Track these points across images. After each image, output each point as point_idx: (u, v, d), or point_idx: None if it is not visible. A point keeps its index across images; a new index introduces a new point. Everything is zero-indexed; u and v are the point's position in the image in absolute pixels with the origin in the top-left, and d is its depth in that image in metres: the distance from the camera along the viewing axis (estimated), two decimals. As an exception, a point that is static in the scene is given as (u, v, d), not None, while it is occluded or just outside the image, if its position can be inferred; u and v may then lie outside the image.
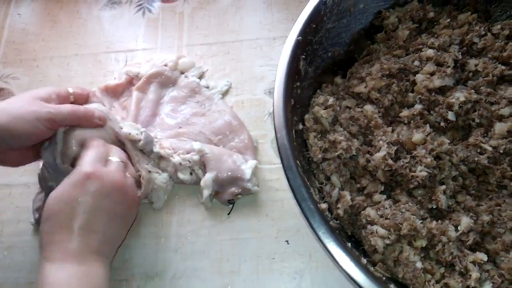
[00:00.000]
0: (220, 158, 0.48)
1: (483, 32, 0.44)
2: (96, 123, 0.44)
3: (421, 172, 0.37)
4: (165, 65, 0.57)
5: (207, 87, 0.56)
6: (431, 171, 0.37)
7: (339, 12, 0.44)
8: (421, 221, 0.35)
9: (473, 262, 0.34)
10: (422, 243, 0.35)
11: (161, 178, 0.49)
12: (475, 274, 0.33)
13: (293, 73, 0.41)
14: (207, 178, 0.47)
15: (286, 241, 0.46)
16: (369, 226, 0.36)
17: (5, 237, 0.49)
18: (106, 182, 0.38)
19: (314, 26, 0.42)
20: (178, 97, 0.55)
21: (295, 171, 0.35)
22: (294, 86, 0.41)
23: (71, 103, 0.45)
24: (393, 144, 0.39)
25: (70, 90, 0.45)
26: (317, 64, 0.45)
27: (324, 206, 0.38)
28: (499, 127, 0.39)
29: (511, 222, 0.36)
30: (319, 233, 0.33)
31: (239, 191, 0.47)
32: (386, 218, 0.36)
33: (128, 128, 0.47)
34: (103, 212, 0.38)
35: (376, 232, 0.35)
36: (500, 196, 0.38)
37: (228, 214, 0.48)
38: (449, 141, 0.39)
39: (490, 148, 0.38)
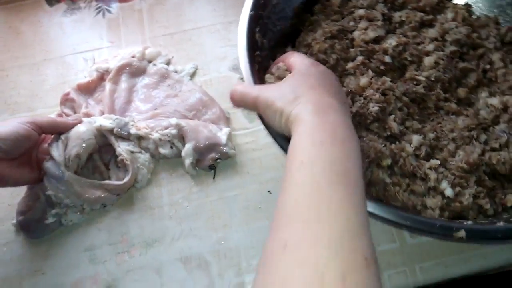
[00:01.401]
0: (196, 129, 0.53)
1: None
2: (73, 122, 0.51)
3: (373, 108, 0.44)
4: (133, 57, 0.61)
5: (175, 72, 0.61)
6: (380, 105, 0.44)
7: None
8: (383, 145, 0.42)
9: (430, 168, 0.41)
10: (387, 162, 0.41)
11: (143, 157, 0.53)
12: (433, 175, 0.40)
13: (251, 43, 0.45)
14: (187, 148, 0.52)
15: (268, 191, 0.51)
16: None
17: (1, 234, 0.51)
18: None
19: (262, 2, 0.48)
20: (149, 83, 0.59)
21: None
22: (255, 54, 0.46)
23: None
24: (347, 94, 0.46)
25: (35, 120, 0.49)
26: (270, 37, 0.50)
27: None
28: (428, 60, 0.47)
29: (451, 133, 0.43)
30: None
31: (218, 155, 0.52)
32: None
33: (101, 121, 0.52)
34: None
35: None
36: (439, 116, 0.46)
37: (213, 178, 0.53)
38: (390, 79, 0.46)
39: (423, 78, 0.45)
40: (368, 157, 0.41)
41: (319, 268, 0.24)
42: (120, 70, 0.59)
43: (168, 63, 0.62)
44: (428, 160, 0.41)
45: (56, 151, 0.49)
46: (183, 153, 0.52)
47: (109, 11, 0.67)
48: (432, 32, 0.49)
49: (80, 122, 0.51)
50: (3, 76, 0.62)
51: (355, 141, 0.32)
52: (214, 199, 0.52)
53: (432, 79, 0.45)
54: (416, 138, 0.42)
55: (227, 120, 0.56)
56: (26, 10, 0.68)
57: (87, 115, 0.56)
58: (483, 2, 0.55)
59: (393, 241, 0.47)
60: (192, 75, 0.61)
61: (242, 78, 0.59)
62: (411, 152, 0.41)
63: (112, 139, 0.52)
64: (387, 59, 0.47)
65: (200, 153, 0.53)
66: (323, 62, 0.48)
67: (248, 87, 0.40)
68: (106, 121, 0.52)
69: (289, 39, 0.54)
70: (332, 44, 0.49)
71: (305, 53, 0.49)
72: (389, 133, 0.43)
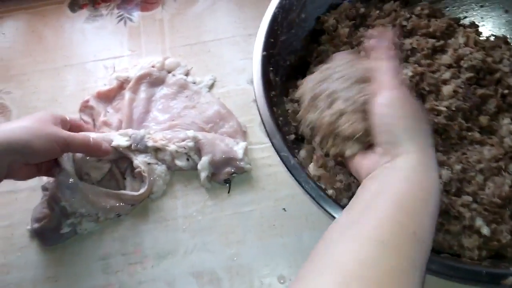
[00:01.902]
0: (213, 142, 0.53)
1: (408, 16, 0.52)
2: (102, 154, 0.51)
3: None
4: (153, 67, 0.61)
5: (194, 83, 0.61)
6: None
7: (288, 24, 0.50)
8: None
9: (462, 205, 0.40)
10: None
11: (160, 168, 0.53)
12: (467, 214, 0.39)
13: (267, 84, 0.45)
14: (204, 161, 0.52)
15: (283, 208, 0.51)
16: None
17: (16, 239, 0.52)
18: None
19: (272, 40, 0.48)
20: (168, 93, 0.60)
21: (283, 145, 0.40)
22: (271, 95, 0.46)
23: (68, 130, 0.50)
24: None
25: (68, 118, 0.50)
26: (281, 73, 0.50)
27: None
28: (446, 89, 0.46)
29: (479, 165, 0.42)
30: (312, 194, 0.37)
31: (233, 170, 0.52)
32: None
33: (118, 140, 0.52)
34: None
35: None
36: (463, 146, 0.45)
37: (228, 192, 0.53)
38: None
39: (444, 109, 0.45)
40: None
41: None
42: (140, 79, 0.59)
43: (187, 74, 0.62)
44: (458, 196, 0.40)
45: (68, 163, 0.49)
46: (199, 166, 0.52)
47: (130, 20, 0.68)
48: (446, 59, 0.49)
49: (109, 154, 0.52)
50: (24, 80, 0.63)
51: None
52: (228, 213, 0.52)
53: (453, 108, 0.45)
54: (445, 173, 0.41)
55: (244, 134, 0.56)
56: (49, 15, 0.69)
57: (106, 123, 0.57)
58: (489, 20, 0.55)
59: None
60: (211, 87, 0.61)
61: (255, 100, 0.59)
62: (442, 189, 0.40)
63: (129, 153, 0.53)
64: None
65: (216, 166, 0.53)
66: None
67: None
68: (122, 139, 0.52)
69: (298, 71, 0.53)
70: None
71: None
72: None
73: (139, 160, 0.52)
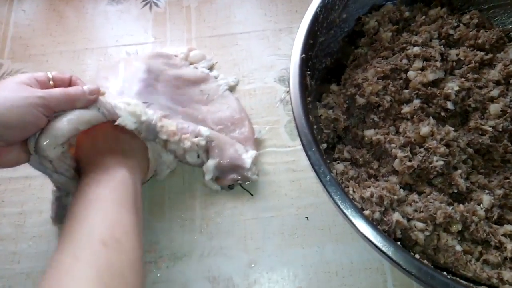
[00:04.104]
0: (223, 146, 0.51)
1: (456, 24, 0.49)
2: (90, 99, 0.40)
3: (437, 162, 0.40)
4: (175, 56, 0.58)
5: (215, 78, 0.58)
6: (446, 159, 0.40)
7: (328, 24, 0.47)
8: (451, 207, 0.38)
9: (504, 235, 0.37)
10: (458, 227, 0.38)
11: (167, 156, 0.50)
12: (509, 245, 0.37)
13: (303, 89, 0.42)
14: (210, 164, 0.50)
15: (306, 217, 0.49)
16: (407, 223, 0.38)
17: (28, 227, 0.50)
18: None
19: (312, 42, 0.45)
20: (182, 78, 0.56)
21: (319, 158, 0.37)
22: (307, 101, 0.43)
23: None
24: (405, 146, 0.42)
25: (49, 74, 0.41)
26: (316, 76, 0.47)
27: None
28: (493, 108, 0.43)
29: None
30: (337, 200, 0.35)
31: (238, 178, 0.50)
32: (420, 212, 0.39)
33: (124, 119, 0.42)
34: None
35: (415, 227, 0.38)
36: (506, 170, 0.42)
37: (252, 194, 0.50)
38: (453, 129, 0.42)
39: (490, 129, 0.42)
40: (434, 220, 0.38)
41: None
42: (156, 56, 0.56)
43: (210, 68, 0.59)
44: (501, 224, 0.38)
45: (35, 155, 0.39)
46: (204, 168, 0.50)
47: (156, 5, 0.65)
48: (494, 74, 0.46)
49: (96, 97, 0.41)
50: (43, 61, 0.61)
51: None
52: (248, 218, 0.50)
53: (500, 129, 0.42)
54: (486, 199, 0.39)
55: (255, 142, 0.54)
56: (72, -6, 0.66)
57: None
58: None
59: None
60: (233, 88, 0.58)
61: (288, 92, 0.57)
62: (483, 216, 0.38)
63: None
64: (449, 105, 0.44)
65: (222, 171, 0.50)
66: (376, 104, 0.45)
67: None
68: (130, 120, 0.42)
69: (333, 75, 0.51)
70: (386, 85, 0.46)
71: (355, 94, 0.46)
72: (455, 191, 0.40)
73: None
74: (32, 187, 0.52)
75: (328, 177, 0.35)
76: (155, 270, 0.47)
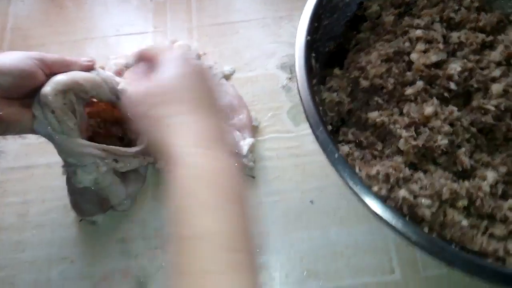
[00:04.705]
0: None
1: (457, 7, 0.49)
2: (86, 64, 0.42)
3: (442, 140, 0.41)
4: None
5: (210, 67, 0.58)
6: (450, 138, 0.41)
7: (331, 8, 0.47)
8: (457, 183, 0.39)
9: (509, 209, 0.38)
10: (464, 202, 0.38)
11: None
12: None
13: (309, 71, 0.42)
14: None
15: (310, 201, 0.49)
16: (413, 200, 0.38)
17: (31, 216, 0.50)
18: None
19: (316, 25, 0.45)
20: None
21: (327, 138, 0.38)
22: (313, 84, 0.43)
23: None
24: (409, 126, 0.43)
25: (50, 57, 0.40)
26: (320, 60, 0.47)
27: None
28: (495, 88, 0.44)
29: None
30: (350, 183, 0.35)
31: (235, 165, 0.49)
32: (426, 189, 0.39)
33: (125, 84, 0.41)
34: None
35: (422, 204, 0.38)
36: (508, 148, 0.43)
37: (253, 177, 0.50)
38: (457, 109, 0.42)
39: (493, 108, 0.42)
40: (440, 196, 0.38)
41: None
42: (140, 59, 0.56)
43: (199, 57, 0.59)
44: (505, 199, 0.38)
45: (39, 110, 0.39)
46: None
47: (156, -7, 0.65)
48: (495, 56, 0.46)
49: (93, 65, 0.43)
50: (44, 51, 0.60)
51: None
52: (253, 202, 0.49)
53: (502, 108, 0.42)
54: (491, 175, 0.39)
55: (253, 130, 0.54)
56: (70, -17, 0.66)
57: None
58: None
59: (391, 271, 0.45)
60: (228, 76, 0.58)
61: (290, 78, 0.57)
62: (488, 192, 0.38)
63: None
64: (452, 86, 0.44)
65: None
66: (380, 87, 0.45)
67: None
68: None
69: (336, 59, 0.50)
70: (389, 67, 0.46)
71: (359, 77, 0.46)
72: (460, 169, 0.40)
73: None
74: (35, 176, 0.52)
75: (336, 155, 0.36)
76: (161, 256, 0.47)
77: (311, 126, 0.38)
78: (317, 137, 0.37)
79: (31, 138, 0.53)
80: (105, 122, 0.48)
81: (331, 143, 0.36)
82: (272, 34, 0.61)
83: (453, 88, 0.44)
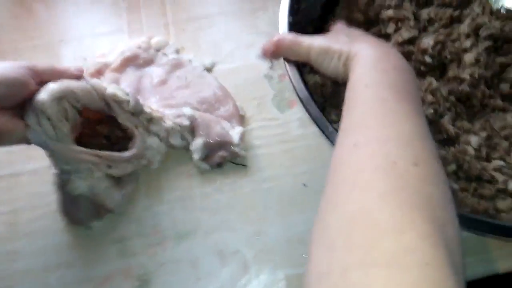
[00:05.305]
0: (209, 124, 0.51)
1: None
2: (75, 73, 0.43)
3: (427, 110, 0.43)
4: (138, 48, 0.57)
5: (189, 61, 0.58)
6: (434, 107, 0.43)
7: None
8: (444, 150, 0.41)
9: (494, 169, 0.41)
10: (452, 167, 0.41)
11: (152, 139, 0.50)
12: (501, 177, 0.40)
13: None
14: (197, 143, 0.50)
15: (303, 184, 0.50)
16: None
17: (22, 225, 0.49)
18: None
19: (296, 7, 0.46)
20: (158, 74, 0.56)
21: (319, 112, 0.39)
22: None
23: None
24: None
25: (40, 67, 0.41)
26: None
27: None
28: (468, 58, 0.46)
29: (503, 131, 0.43)
30: None
31: (227, 154, 0.50)
32: None
33: (113, 89, 0.45)
34: None
35: None
36: (485, 114, 0.45)
37: (245, 166, 0.51)
38: (435, 79, 0.45)
39: (468, 77, 0.45)
40: None
41: (390, 157, 0.25)
42: (126, 62, 0.56)
43: (177, 51, 0.59)
44: (489, 161, 0.41)
45: (33, 119, 0.39)
46: (192, 147, 0.50)
47: (127, -9, 0.64)
48: (464, 28, 0.49)
49: (83, 74, 0.44)
50: (17, 57, 0.59)
51: (413, 73, 0.35)
52: (247, 191, 0.50)
53: (476, 76, 0.45)
54: (474, 140, 0.42)
55: (241, 119, 0.54)
56: (37, -13, 0.64)
57: (99, 72, 0.54)
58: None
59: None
60: (209, 68, 0.58)
61: (271, 67, 0.58)
62: (474, 155, 0.41)
63: (119, 112, 0.46)
64: (427, 59, 0.47)
65: (210, 149, 0.51)
66: None
67: (299, 37, 0.41)
68: (119, 91, 0.45)
69: None
70: None
71: None
72: (445, 136, 0.42)
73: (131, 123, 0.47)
74: (21, 184, 0.51)
75: (330, 129, 0.37)
76: (161, 252, 0.47)
77: (301, 101, 0.39)
78: (309, 112, 0.38)
79: (14, 146, 0.51)
80: (89, 121, 0.48)
81: (323, 117, 0.38)
82: (249, 26, 0.61)
83: (428, 62, 0.46)
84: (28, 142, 0.39)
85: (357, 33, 0.42)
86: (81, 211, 0.45)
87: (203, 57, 0.59)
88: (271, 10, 0.62)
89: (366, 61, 0.34)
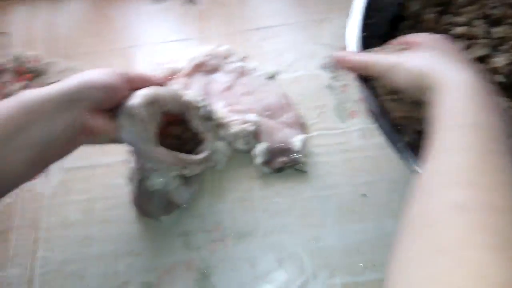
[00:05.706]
0: (272, 130, 0.54)
1: (495, 5, 0.51)
2: (160, 80, 0.47)
3: None
4: (206, 56, 0.60)
5: (254, 69, 0.60)
6: None
7: (378, 7, 0.49)
8: None
9: None
10: None
11: (220, 143, 0.53)
12: None
13: None
14: (261, 148, 0.52)
15: (363, 194, 0.51)
16: None
17: (97, 212, 0.53)
18: None
19: (366, 22, 0.47)
20: (224, 80, 0.59)
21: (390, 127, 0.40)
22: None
23: None
24: None
25: (132, 74, 0.44)
26: None
27: None
28: None
29: None
30: None
31: (288, 160, 0.52)
32: None
33: (192, 95, 0.49)
34: None
35: None
36: None
37: (305, 171, 0.53)
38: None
39: None
40: None
41: (505, 235, 0.23)
42: (196, 68, 0.59)
43: (243, 60, 0.61)
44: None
45: (127, 121, 0.41)
46: (255, 152, 0.52)
47: (194, 2, 0.67)
48: None
49: (165, 81, 0.49)
50: (96, 58, 0.64)
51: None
52: (306, 196, 0.52)
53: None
54: None
55: (302, 126, 0.56)
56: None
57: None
58: None
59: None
60: (272, 76, 0.60)
61: (334, 77, 0.60)
62: None
63: (194, 117, 0.49)
64: (500, 78, 0.46)
65: (272, 155, 0.53)
66: None
67: (382, 56, 0.40)
68: (197, 98, 0.49)
69: None
70: None
71: None
72: None
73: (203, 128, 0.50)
74: (96, 176, 0.55)
75: (400, 144, 0.38)
76: (222, 248, 0.49)
77: (374, 117, 0.40)
78: (380, 126, 0.39)
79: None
80: (163, 122, 0.51)
81: (395, 131, 0.39)
82: (313, 37, 0.63)
83: (501, 81, 0.46)
84: (119, 141, 0.43)
85: (448, 52, 0.37)
86: (153, 205, 0.49)
87: (267, 65, 0.61)
88: (335, 22, 0.63)
89: (460, 91, 0.31)
